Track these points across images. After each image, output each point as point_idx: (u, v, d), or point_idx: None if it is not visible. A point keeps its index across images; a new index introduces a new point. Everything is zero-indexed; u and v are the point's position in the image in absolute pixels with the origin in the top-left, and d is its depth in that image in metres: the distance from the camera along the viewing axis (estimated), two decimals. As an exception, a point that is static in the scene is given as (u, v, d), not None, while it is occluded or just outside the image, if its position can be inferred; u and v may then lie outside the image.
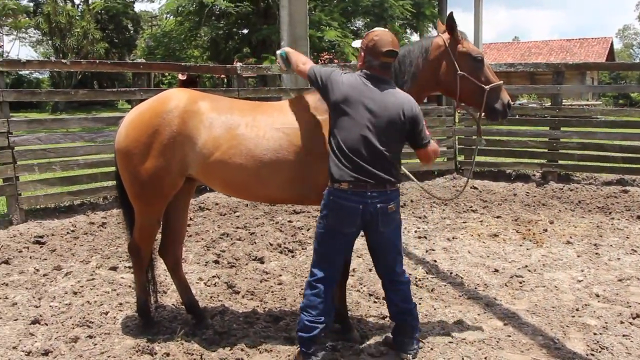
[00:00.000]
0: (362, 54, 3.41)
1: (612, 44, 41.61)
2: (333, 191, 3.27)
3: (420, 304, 4.43)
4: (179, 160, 3.59)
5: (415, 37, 32.00)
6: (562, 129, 9.33)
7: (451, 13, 3.73)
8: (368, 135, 3.21)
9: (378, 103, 3.26)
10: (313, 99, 3.69)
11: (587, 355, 3.64)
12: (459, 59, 3.69)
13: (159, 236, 4.04)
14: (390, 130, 3.25)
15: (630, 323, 4.07)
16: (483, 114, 3.80)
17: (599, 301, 4.50)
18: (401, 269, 3.51)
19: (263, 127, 3.61)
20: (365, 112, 3.24)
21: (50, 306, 4.47)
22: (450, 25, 3.71)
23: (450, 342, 3.80)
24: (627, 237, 6.25)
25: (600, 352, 3.67)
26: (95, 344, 3.81)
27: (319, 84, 3.47)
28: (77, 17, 34.71)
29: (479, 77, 3.69)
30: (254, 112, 3.71)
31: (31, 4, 38.88)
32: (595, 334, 3.90)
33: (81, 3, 39.01)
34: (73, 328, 4.05)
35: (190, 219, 7.18)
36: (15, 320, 4.21)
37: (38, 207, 7.40)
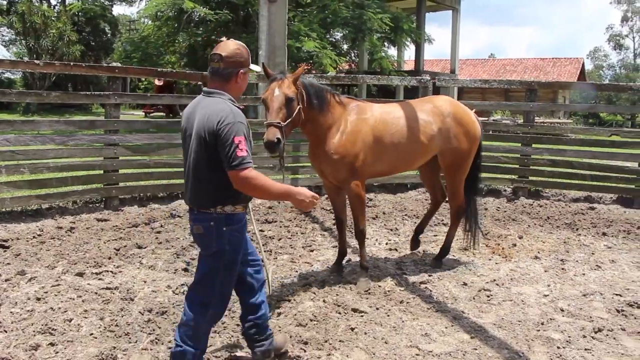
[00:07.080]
0: None
1: (583, 65, 42.67)
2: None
3: (388, 315, 4.46)
4: None
5: (393, 51, 32.39)
6: (533, 145, 9.50)
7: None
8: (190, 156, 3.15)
9: (194, 119, 3.14)
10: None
11: (550, 369, 3.69)
12: None
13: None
14: (199, 147, 3.06)
15: (592, 337, 4.14)
16: None
17: (563, 315, 4.57)
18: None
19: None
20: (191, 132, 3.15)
21: (10, 312, 4.34)
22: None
23: (417, 355, 3.82)
24: (593, 253, 6.37)
25: (563, 366, 3.72)
26: (57, 352, 3.73)
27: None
28: (53, 18, 34.09)
29: None
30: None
31: (4, 2, 38.17)
32: (558, 347, 3.96)
33: (58, 4, 38.47)
34: (34, 335, 3.95)
35: (161, 225, 7.11)
36: (-26, 326, 4.09)
37: (4, 210, 7.22)
